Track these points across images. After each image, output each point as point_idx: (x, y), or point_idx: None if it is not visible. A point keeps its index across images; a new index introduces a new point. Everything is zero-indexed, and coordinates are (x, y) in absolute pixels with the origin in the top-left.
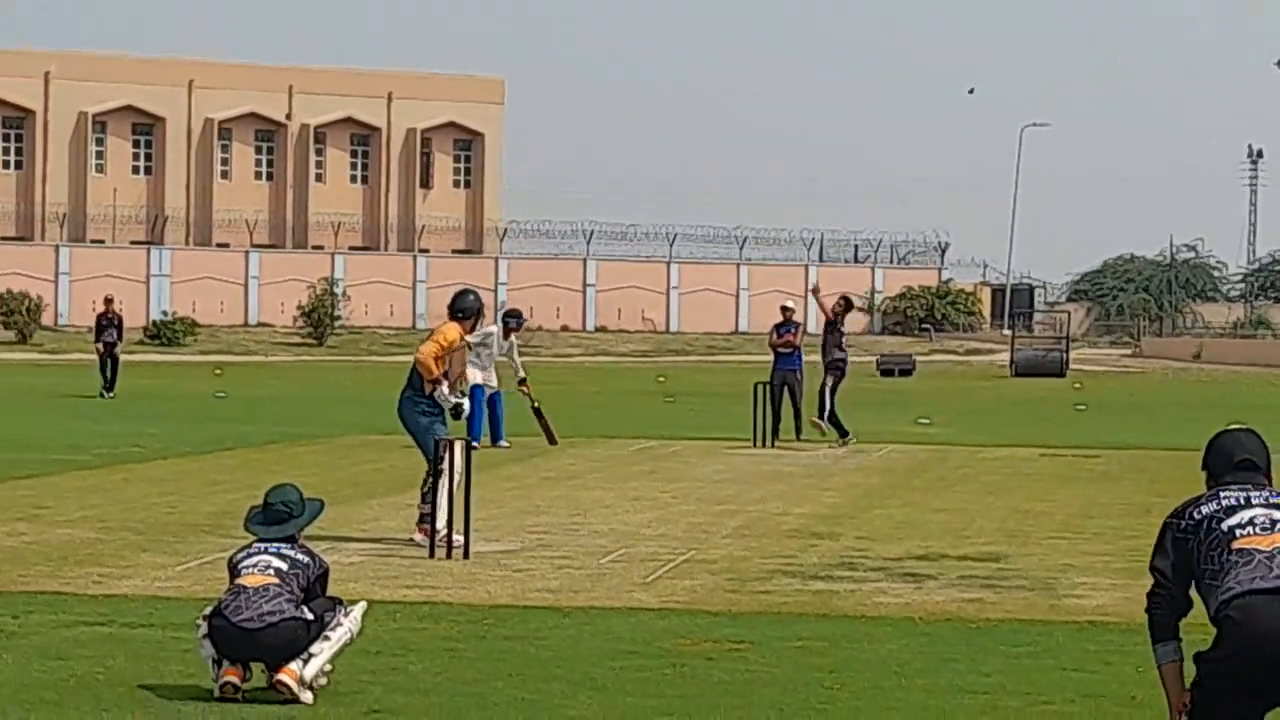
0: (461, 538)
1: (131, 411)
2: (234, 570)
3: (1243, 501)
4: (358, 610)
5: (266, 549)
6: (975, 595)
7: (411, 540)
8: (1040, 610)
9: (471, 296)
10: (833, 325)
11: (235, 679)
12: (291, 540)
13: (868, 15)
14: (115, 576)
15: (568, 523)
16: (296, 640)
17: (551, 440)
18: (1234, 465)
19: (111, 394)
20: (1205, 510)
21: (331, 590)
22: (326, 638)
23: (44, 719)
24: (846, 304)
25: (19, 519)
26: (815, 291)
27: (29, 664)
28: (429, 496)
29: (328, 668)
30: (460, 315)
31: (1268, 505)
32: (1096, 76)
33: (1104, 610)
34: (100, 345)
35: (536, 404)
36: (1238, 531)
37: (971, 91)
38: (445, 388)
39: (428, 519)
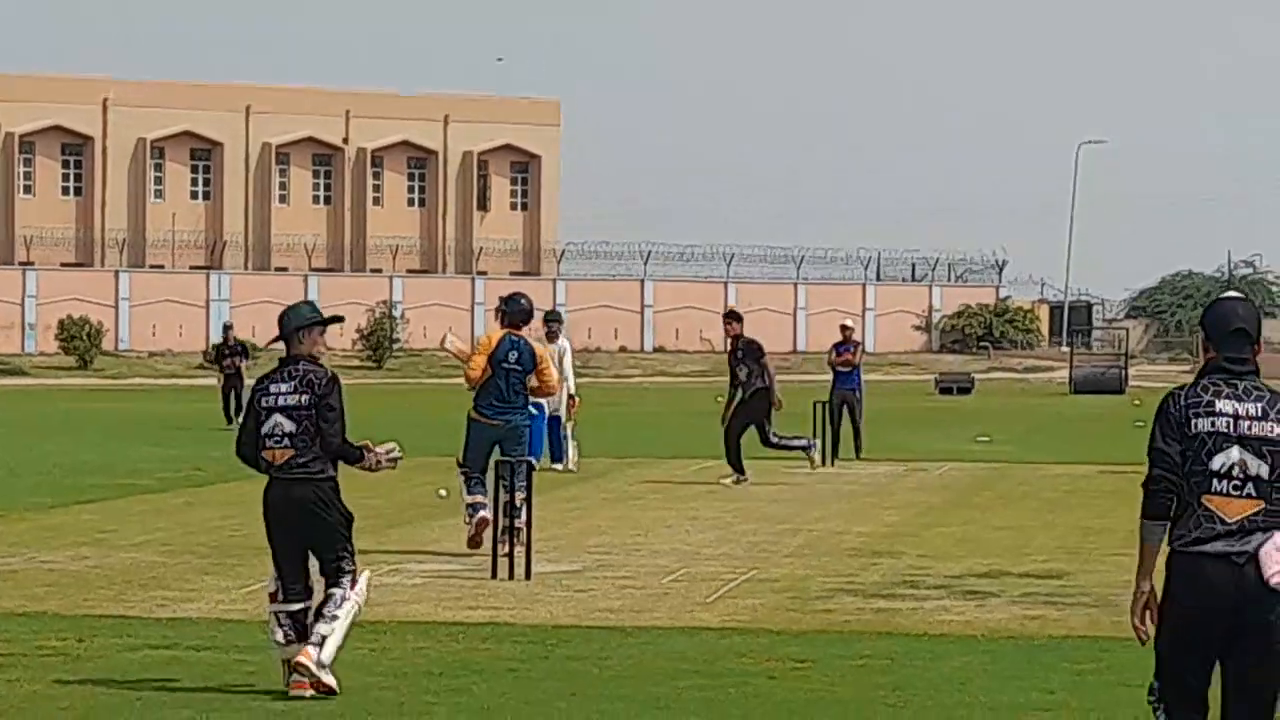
0: (523, 557)
1: (192, 435)
2: (255, 413)
3: (1229, 428)
4: (363, 581)
5: (277, 399)
6: (1038, 612)
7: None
8: (1103, 627)
9: (524, 299)
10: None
11: (305, 692)
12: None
13: (921, 33)
14: (179, 600)
15: (629, 542)
16: (325, 507)
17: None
18: (1229, 333)
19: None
20: (1200, 426)
21: (381, 620)
22: (335, 616)
23: None
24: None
25: (83, 543)
26: None
27: (95, 688)
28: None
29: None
30: (506, 319)
31: (1251, 440)
32: (1153, 92)
33: None
34: (223, 375)
35: (573, 423)
36: (1214, 482)
37: None
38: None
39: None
